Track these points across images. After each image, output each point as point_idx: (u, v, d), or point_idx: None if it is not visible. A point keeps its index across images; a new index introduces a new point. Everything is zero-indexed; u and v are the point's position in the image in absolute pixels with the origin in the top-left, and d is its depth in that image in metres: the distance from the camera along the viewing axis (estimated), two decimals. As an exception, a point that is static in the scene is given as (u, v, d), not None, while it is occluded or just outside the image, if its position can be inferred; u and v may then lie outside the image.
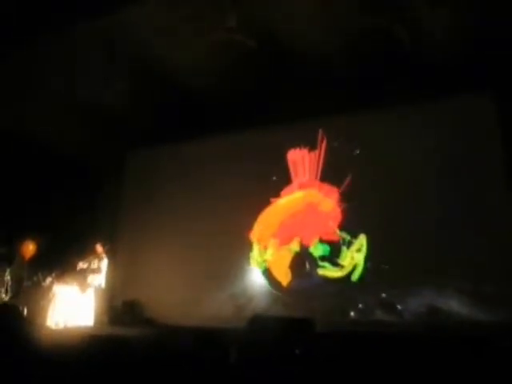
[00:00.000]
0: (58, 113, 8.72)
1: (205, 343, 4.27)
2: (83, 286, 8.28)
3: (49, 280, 8.28)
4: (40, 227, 8.99)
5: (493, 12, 6.16)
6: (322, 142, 8.43)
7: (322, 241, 8.16)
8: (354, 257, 7.90)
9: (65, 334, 7.23)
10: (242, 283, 8.42)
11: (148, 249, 9.36)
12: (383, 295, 7.45)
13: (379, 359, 3.67)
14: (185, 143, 9.42)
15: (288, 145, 8.66)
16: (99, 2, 6.54)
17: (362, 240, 7.91)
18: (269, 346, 4.33)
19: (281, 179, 8.61)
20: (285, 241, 8.41)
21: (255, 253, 8.54)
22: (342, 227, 8.10)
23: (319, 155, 8.44)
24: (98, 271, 8.47)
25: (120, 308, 8.83)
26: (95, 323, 8.19)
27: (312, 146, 8.51)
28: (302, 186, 8.52)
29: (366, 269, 7.74)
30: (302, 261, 8.23)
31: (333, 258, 8.05)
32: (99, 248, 8.73)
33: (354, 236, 7.96)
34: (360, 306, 7.61)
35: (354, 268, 7.84)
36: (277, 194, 8.61)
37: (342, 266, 7.96)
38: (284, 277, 8.26)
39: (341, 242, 8.04)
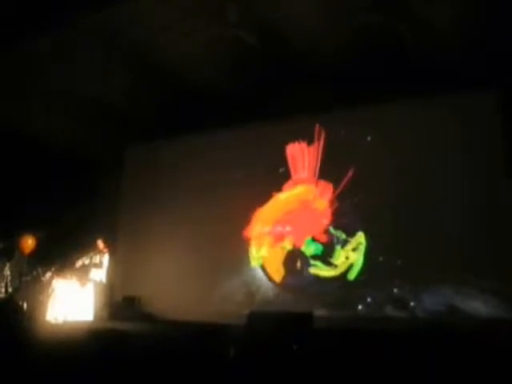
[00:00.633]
0: (56, 108, 8.69)
1: (204, 339, 4.29)
2: (83, 280, 8.30)
3: (48, 275, 8.30)
4: (39, 222, 9.00)
5: (497, 10, 6.13)
6: (320, 136, 8.40)
7: (314, 239, 8.11)
8: (350, 256, 7.79)
9: (64, 328, 7.25)
10: (242, 279, 8.42)
11: (148, 244, 9.36)
12: (395, 290, 7.30)
13: (378, 356, 3.68)
14: (184, 138, 9.40)
15: (288, 139, 8.62)
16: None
17: (359, 238, 7.80)
18: (267, 342, 4.35)
19: (281, 174, 8.58)
20: (278, 238, 8.40)
21: (253, 249, 8.55)
22: (336, 225, 8.00)
23: (318, 150, 8.41)
24: (100, 266, 8.51)
25: (120, 303, 8.83)
26: (95, 318, 8.20)
27: (312, 141, 8.44)
28: (299, 182, 8.49)
29: (367, 266, 7.62)
30: (294, 259, 8.20)
31: (325, 257, 7.97)
32: (101, 244, 8.76)
33: (350, 234, 7.86)
34: (369, 299, 7.44)
35: (350, 267, 7.75)
36: (277, 189, 8.57)
37: (335, 266, 7.87)
38: (276, 274, 8.25)
39: (335, 240, 7.97)
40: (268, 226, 8.53)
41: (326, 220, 8.11)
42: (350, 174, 7.92)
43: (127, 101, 8.61)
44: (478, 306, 6.68)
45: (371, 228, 7.67)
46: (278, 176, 8.53)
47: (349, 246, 7.87)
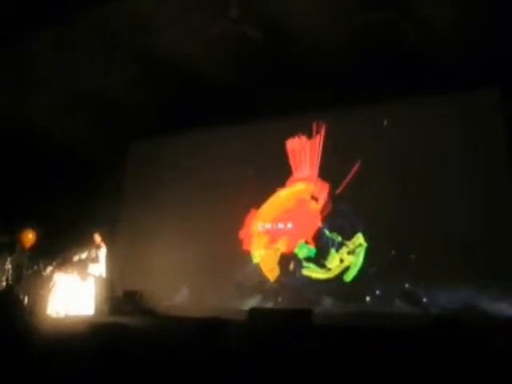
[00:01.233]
0: (58, 103, 8.71)
1: (205, 334, 4.31)
2: (83, 275, 8.31)
3: (49, 269, 8.31)
4: (40, 217, 9.03)
5: (497, 10, 6.13)
6: (321, 131, 8.39)
7: (307, 242, 8.14)
8: (345, 259, 7.77)
9: (65, 322, 7.28)
10: (243, 275, 8.45)
11: (149, 239, 9.39)
12: (406, 285, 7.28)
13: (378, 353, 3.71)
14: (185, 135, 9.42)
15: (290, 135, 8.63)
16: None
17: (358, 240, 7.76)
18: (268, 337, 4.38)
19: (283, 170, 8.57)
20: (273, 239, 8.46)
21: (253, 246, 8.58)
22: (332, 228, 8.01)
23: (319, 144, 8.39)
24: (97, 261, 8.42)
25: (121, 298, 8.87)
26: (96, 312, 8.23)
27: (312, 136, 8.48)
28: (300, 179, 8.48)
29: (375, 261, 7.62)
30: (287, 260, 8.25)
31: (319, 259, 8.01)
32: (97, 238, 8.67)
33: (348, 237, 7.85)
34: (377, 292, 7.44)
35: (346, 270, 7.75)
36: (279, 185, 8.58)
37: (328, 269, 7.90)
38: (271, 273, 8.30)
39: (329, 243, 7.98)
40: (266, 224, 8.57)
41: (320, 222, 8.12)
42: (353, 169, 7.91)
43: (128, 98, 8.63)
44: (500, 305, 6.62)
45: (377, 224, 7.60)
46: (279, 172, 8.55)
47: (344, 249, 7.84)
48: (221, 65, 7.76)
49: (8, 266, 8.71)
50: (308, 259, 8.08)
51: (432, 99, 7.50)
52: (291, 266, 8.20)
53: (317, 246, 8.05)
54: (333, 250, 7.92)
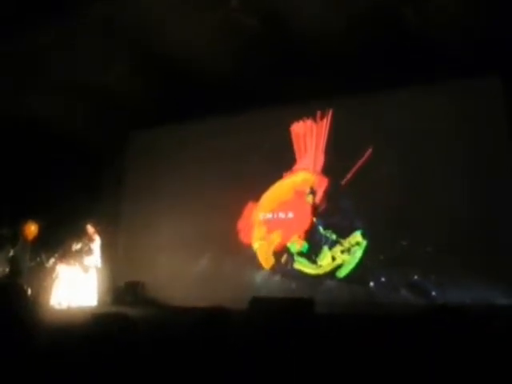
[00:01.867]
0: (58, 94, 8.69)
1: (207, 323, 4.33)
2: (84, 266, 8.33)
3: (52, 261, 8.35)
4: (42, 209, 9.04)
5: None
6: (327, 119, 8.33)
7: (300, 237, 8.17)
8: (337, 257, 7.77)
9: (68, 313, 7.32)
10: (245, 264, 8.46)
11: (150, 230, 9.42)
12: (415, 277, 7.24)
13: (382, 341, 3.72)
14: (186, 123, 9.41)
15: (293, 122, 8.62)
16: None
17: (355, 238, 7.73)
18: (270, 327, 4.39)
19: (284, 160, 8.55)
20: (270, 230, 8.52)
21: (253, 235, 8.59)
22: (327, 225, 8.03)
23: (324, 133, 8.33)
24: (90, 253, 8.38)
25: (123, 288, 8.91)
26: (98, 303, 8.27)
27: (318, 123, 8.45)
28: (302, 169, 8.45)
29: (362, 264, 7.63)
30: (281, 252, 8.30)
31: (311, 255, 8.03)
32: (90, 229, 8.60)
33: (343, 235, 7.84)
34: (382, 279, 7.45)
35: (339, 267, 7.77)
36: (280, 175, 8.57)
37: (319, 265, 7.91)
38: (266, 262, 8.39)
39: (323, 240, 7.97)
40: (266, 214, 8.57)
41: (314, 218, 8.11)
42: (361, 159, 7.84)
43: (128, 89, 8.61)
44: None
45: (383, 217, 7.55)
46: (281, 163, 8.54)
47: (338, 248, 7.83)
48: (221, 54, 7.72)
49: (11, 258, 8.74)
50: (300, 254, 8.13)
51: (432, 86, 7.44)
52: (283, 259, 8.24)
53: (309, 242, 8.07)
54: (325, 248, 7.93)
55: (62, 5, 6.81)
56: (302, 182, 8.37)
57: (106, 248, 8.90)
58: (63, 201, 9.07)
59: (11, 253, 8.70)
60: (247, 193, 8.69)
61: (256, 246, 8.53)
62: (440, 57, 6.82)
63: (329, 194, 8.11)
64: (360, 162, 7.86)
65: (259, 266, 8.40)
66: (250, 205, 8.71)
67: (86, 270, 8.29)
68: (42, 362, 3.27)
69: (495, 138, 7.06)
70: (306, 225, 8.17)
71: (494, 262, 6.57)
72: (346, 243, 7.77)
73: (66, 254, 8.39)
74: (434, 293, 7.06)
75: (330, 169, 8.21)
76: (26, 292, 7.20)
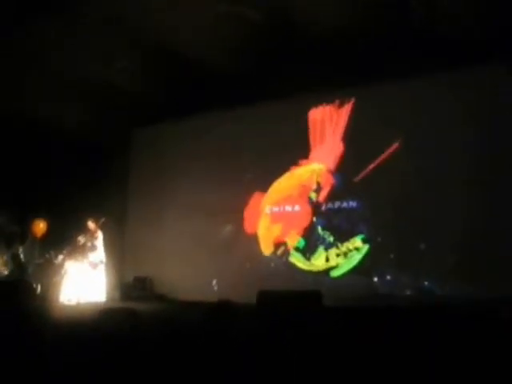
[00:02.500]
0: (65, 92, 8.71)
1: (215, 318, 4.34)
2: (92, 262, 8.36)
3: (60, 257, 8.39)
4: (50, 206, 9.09)
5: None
6: (347, 108, 8.08)
7: (299, 233, 8.14)
8: (331, 259, 7.70)
9: (77, 309, 7.37)
10: (253, 259, 8.47)
11: (157, 225, 9.44)
12: (423, 280, 7.01)
13: (389, 334, 3.72)
14: (190, 118, 9.38)
15: (298, 118, 8.48)
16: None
17: (354, 243, 7.61)
18: (278, 320, 4.40)
19: (292, 151, 8.40)
20: (273, 221, 8.50)
21: (259, 225, 8.61)
22: (326, 226, 7.92)
23: (343, 121, 8.05)
24: (94, 248, 8.38)
25: (132, 284, 8.95)
26: (107, 299, 8.32)
27: (338, 110, 8.20)
28: (313, 159, 8.28)
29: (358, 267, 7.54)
30: (278, 244, 8.31)
31: (305, 252, 8.00)
32: (91, 224, 8.53)
33: (341, 239, 7.73)
34: (388, 277, 7.29)
35: (332, 268, 7.71)
36: (289, 166, 8.47)
37: (312, 263, 7.89)
38: (267, 250, 8.40)
39: (319, 240, 7.93)
40: (270, 206, 8.58)
41: (315, 218, 8.07)
42: (381, 156, 7.55)
43: (132, 84, 8.60)
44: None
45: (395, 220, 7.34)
46: (288, 155, 8.42)
47: (333, 250, 7.75)
48: (226, 47, 7.68)
49: (20, 254, 8.81)
50: (296, 249, 8.11)
51: (433, 78, 7.26)
52: (280, 251, 8.26)
53: (306, 239, 8.04)
54: (321, 248, 7.87)
55: (66, 3, 6.79)
56: (309, 176, 8.27)
57: (113, 244, 8.93)
58: (71, 198, 9.11)
59: (20, 250, 8.76)
60: (254, 185, 8.66)
61: (259, 233, 8.56)
62: (450, 43, 6.69)
63: (335, 193, 7.96)
64: (379, 159, 7.58)
65: (261, 254, 8.42)
66: (257, 195, 8.69)
67: (94, 265, 8.33)
68: (52, 357, 3.30)
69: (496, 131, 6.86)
70: (305, 222, 8.12)
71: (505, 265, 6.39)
72: (344, 247, 7.68)
73: (74, 251, 8.43)
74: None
75: (345, 162, 7.97)
76: (35, 289, 7.28)
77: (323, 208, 8.03)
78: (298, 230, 8.15)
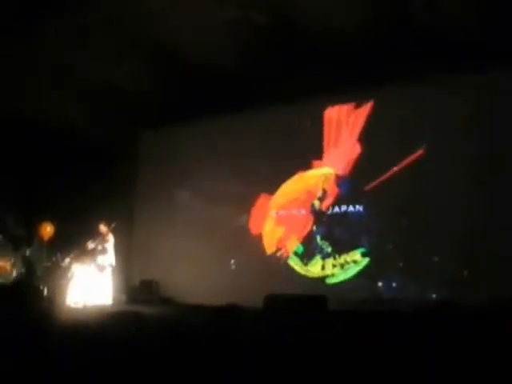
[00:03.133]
0: (72, 94, 8.75)
1: (221, 321, 4.34)
2: (100, 265, 8.39)
3: (67, 260, 8.42)
4: (57, 209, 9.13)
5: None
6: (364, 109, 7.98)
7: (298, 239, 8.20)
8: (327, 269, 7.75)
9: (84, 312, 7.39)
10: (260, 262, 8.46)
11: (164, 228, 9.46)
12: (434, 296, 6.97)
13: (394, 338, 3.71)
14: (198, 121, 9.39)
15: (304, 123, 8.50)
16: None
17: (353, 256, 7.60)
18: (284, 324, 4.39)
19: (300, 155, 8.40)
20: (277, 224, 8.56)
21: (265, 227, 8.65)
22: (325, 236, 7.96)
23: (360, 122, 7.95)
24: (104, 252, 8.43)
25: (138, 287, 8.97)
26: (113, 302, 8.33)
27: (356, 110, 8.11)
28: (325, 162, 8.25)
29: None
30: (279, 246, 8.40)
31: (303, 258, 8.07)
32: (103, 228, 8.60)
33: (340, 251, 7.74)
34: (394, 284, 7.28)
35: (327, 277, 7.76)
36: (296, 170, 8.48)
37: (308, 270, 7.96)
38: (268, 248, 8.49)
39: (318, 249, 7.95)
40: (276, 209, 8.62)
41: (315, 226, 8.09)
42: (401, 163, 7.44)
43: (140, 88, 8.63)
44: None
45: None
46: (296, 159, 8.42)
47: (330, 260, 7.77)
48: (238, 48, 7.67)
49: (27, 258, 8.84)
50: (295, 253, 8.19)
51: (433, 81, 7.24)
52: (280, 252, 8.33)
53: (305, 246, 8.12)
54: (318, 257, 7.93)
55: (71, 4, 6.82)
56: (316, 182, 8.26)
57: (120, 247, 8.94)
58: (78, 201, 9.15)
59: (27, 253, 8.79)
60: (262, 188, 8.68)
61: (264, 233, 8.60)
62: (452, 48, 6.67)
63: (341, 201, 7.96)
64: (394, 170, 7.49)
65: (267, 256, 8.45)
66: (264, 196, 8.68)
67: (101, 269, 8.35)
68: (58, 360, 3.31)
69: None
70: (306, 229, 8.19)
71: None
72: (341, 259, 7.70)
73: (81, 254, 8.46)
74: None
75: (358, 168, 7.89)
76: (41, 292, 7.30)
77: (325, 217, 8.07)
78: (298, 236, 8.22)
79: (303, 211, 8.29)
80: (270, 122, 8.75)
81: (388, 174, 7.48)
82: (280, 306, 5.04)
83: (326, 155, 8.23)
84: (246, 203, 8.75)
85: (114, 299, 8.44)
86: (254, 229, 8.70)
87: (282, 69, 7.81)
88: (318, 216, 8.13)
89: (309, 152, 8.32)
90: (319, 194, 8.20)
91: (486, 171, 6.81)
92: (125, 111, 9.23)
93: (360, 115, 7.97)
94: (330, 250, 7.85)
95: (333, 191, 8.07)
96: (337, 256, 7.76)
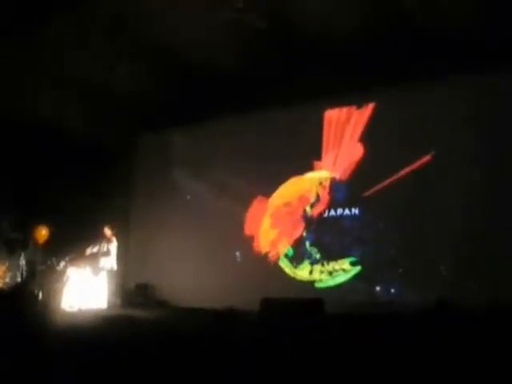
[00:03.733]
0: (69, 97, 8.72)
1: (217, 325, 4.32)
2: (96, 269, 8.38)
3: (62, 264, 8.39)
4: (53, 213, 9.09)
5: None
6: (365, 110, 7.94)
7: (289, 242, 8.21)
8: (314, 274, 7.77)
9: (79, 316, 7.35)
10: (255, 265, 8.44)
11: (160, 232, 9.41)
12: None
13: (391, 341, 3.70)
14: (196, 124, 9.36)
15: (303, 124, 8.41)
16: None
17: (342, 265, 7.58)
18: (280, 327, 4.38)
19: (299, 158, 8.34)
20: (272, 226, 8.53)
21: (261, 225, 8.63)
22: (314, 242, 7.94)
23: (361, 125, 7.90)
24: (108, 254, 8.48)
25: (133, 290, 8.93)
26: (108, 306, 8.30)
27: (357, 113, 8.04)
28: (323, 167, 8.19)
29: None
30: (271, 248, 8.41)
31: (292, 261, 8.08)
32: (108, 231, 8.70)
33: (328, 258, 7.72)
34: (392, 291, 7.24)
35: (315, 281, 7.77)
36: (294, 172, 8.43)
37: (296, 273, 7.99)
38: (263, 249, 8.48)
39: (306, 254, 7.95)
40: (271, 210, 8.58)
41: (305, 232, 8.09)
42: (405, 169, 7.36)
43: (138, 90, 8.60)
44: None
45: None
46: (295, 162, 8.35)
47: (318, 266, 7.78)
48: (232, 53, 7.65)
49: (22, 261, 8.80)
50: (285, 255, 8.20)
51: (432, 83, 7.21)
52: (272, 254, 8.32)
53: (294, 250, 8.13)
54: (306, 261, 7.94)
55: (70, 4, 6.80)
56: (310, 187, 8.22)
57: (116, 250, 8.93)
58: (74, 205, 9.11)
59: (22, 257, 8.75)
60: (260, 191, 8.63)
61: (259, 233, 8.58)
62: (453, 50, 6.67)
63: (335, 206, 7.92)
64: (397, 175, 7.41)
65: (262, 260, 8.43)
66: (260, 199, 8.67)
67: (96, 272, 8.33)
68: (53, 363, 3.29)
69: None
70: (296, 233, 8.19)
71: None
72: (329, 266, 7.69)
73: (77, 257, 8.44)
74: None
75: (357, 172, 7.82)
76: (36, 296, 7.26)
77: (314, 224, 8.06)
78: (289, 240, 8.23)
79: (295, 216, 8.29)
80: (270, 124, 8.71)
81: (389, 180, 7.42)
82: (277, 309, 5.03)
83: (325, 158, 8.19)
84: (242, 206, 8.73)
85: (109, 302, 8.40)
86: (249, 231, 8.68)
87: (282, 70, 7.77)
88: (309, 222, 8.13)
89: (308, 154, 8.28)
90: (312, 199, 8.18)
91: (486, 171, 6.79)
92: (122, 115, 9.18)
93: (360, 117, 7.94)
94: (318, 256, 7.87)
95: (325, 198, 8.05)
96: (325, 263, 7.77)
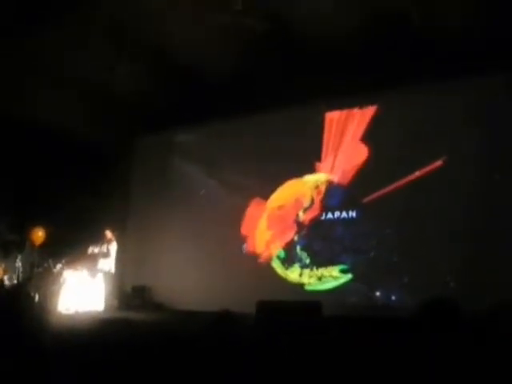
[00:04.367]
0: (69, 98, 8.70)
1: (214, 328, 4.31)
2: (93, 271, 8.37)
3: (59, 266, 8.37)
4: (49, 215, 9.06)
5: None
6: (367, 112, 7.94)
7: (281, 245, 8.26)
8: (304, 277, 7.82)
9: (76, 318, 7.33)
10: (251, 268, 8.43)
11: (158, 234, 9.39)
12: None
13: (388, 344, 3.70)
14: (195, 126, 9.36)
15: (297, 128, 8.43)
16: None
17: (332, 272, 7.61)
18: (277, 330, 4.37)
19: (296, 161, 8.31)
20: (268, 227, 8.56)
21: (258, 226, 8.64)
22: (305, 247, 7.98)
23: (364, 123, 7.86)
24: (108, 255, 8.57)
25: (130, 293, 8.91)
26: (105, 308, 8.28)
27: (359, 114, 8.02)
28: (321, 169, 8.16)
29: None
30: (265, 249, 8.45)
31: (284, 263, 8.12)
32: (108, 234, 8.84)
33: (318, 263, 7.75)
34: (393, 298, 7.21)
35: (304, 284, 7.81)
36: (292, 175, 8.42)
37: (287, 275, 8.03)
38: (258, 249, 8.53)
39: (297, 258, 8.00)
40: (268, 212, 8.59)
41: (296, 237, 8.12)
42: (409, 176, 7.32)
43: (137, 91, 8.58)
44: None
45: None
46: (292, 164, 8.32)
47: (307, 271, 7.83)
48: (230, 55, 7.65)
49: (18, 263, 8.77)
50: (277, 257, 8.24)
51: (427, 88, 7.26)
52: (265, 254, 8.35)
53: (286, 253, 8.16)
54: (296, 265, 7.98)
55: (70, 6, 6.80)
56: (305, 191, 8.21)
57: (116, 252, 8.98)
58: (70, 207, 9.08)
59: (18, 259, 8.73)
60: (257, 193, 8.62)
61: (256, 233, 8.60)
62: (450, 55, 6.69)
63: (331, 210, 7.91)
64: (399, 182, 7.37)
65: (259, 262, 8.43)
66: (256, 201, 8.67)
67: (93, 274, 8.32)
68: (50, 366, 3.28)
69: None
70: (288, 237, 8.22)
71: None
72: (319, 272, 7.73)
73: (74, 259, 8.44)
74: None
75: (357, 175, 7.78)
76: (33, 298, 7.23)
77: (305, 230, 8.07)
78: (281, 242, 8.26)
79: (288, 219, 8.30)
80: (270, 126, 8.70)
81: (391, 187, 7.39)
82: (272, 312, 5.02)
83: (325, 160, 8.16)
84: (241, 208, 8.72)
85: (106, 305, 8.39)
86: (246, 232, 8.68)
87: (282, 71, 7.78)
88: (300, 227, 8.14)
89: (308, 156, 8.25)
90: (306, 204, 8.18)
91: (486, 171, 6.79)
92: (119, 118, 9.17)
93: (362, 119, 7.93)
94: (308, 261, 7.91)
95: (318, 203, 8.06)
96: (314, 268, 7.79)
